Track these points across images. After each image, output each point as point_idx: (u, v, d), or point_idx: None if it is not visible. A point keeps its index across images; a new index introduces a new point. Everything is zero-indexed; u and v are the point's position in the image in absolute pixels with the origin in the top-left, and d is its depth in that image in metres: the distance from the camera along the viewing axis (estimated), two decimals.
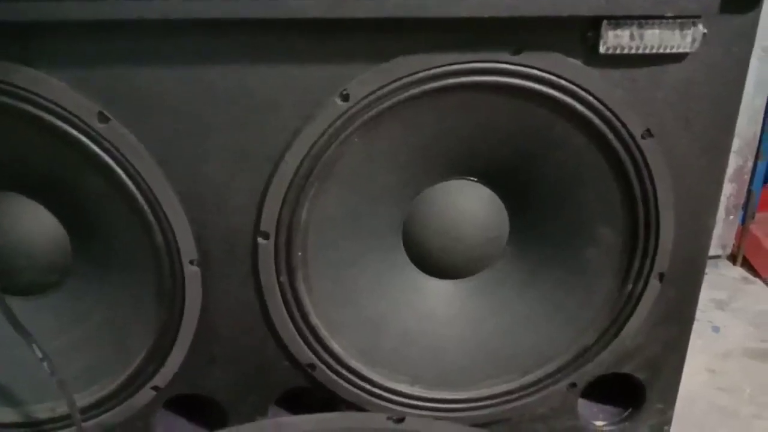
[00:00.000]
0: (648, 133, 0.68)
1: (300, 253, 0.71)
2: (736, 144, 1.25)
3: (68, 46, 0.62)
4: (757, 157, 1.30)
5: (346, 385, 0.77)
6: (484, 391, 0.79)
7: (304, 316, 0.73)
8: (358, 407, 0.78)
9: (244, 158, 0.67)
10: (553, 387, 0.79)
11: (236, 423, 0.77)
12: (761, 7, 0.64)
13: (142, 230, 0.68)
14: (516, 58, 0.65)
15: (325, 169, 0.68)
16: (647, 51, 0.65)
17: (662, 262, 0.74)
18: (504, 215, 0.77)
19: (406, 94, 0.65)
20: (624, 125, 0.68)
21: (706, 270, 0.79)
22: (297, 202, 0.68)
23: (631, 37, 0.64)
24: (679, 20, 0.64)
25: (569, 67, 0.65)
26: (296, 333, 0.74)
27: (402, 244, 0.78)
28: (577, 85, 0.66)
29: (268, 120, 0.66)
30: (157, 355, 0.73)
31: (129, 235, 0.69)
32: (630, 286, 0.75)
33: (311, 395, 0.79)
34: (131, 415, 0.76)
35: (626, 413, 0.85)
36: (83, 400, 0.74)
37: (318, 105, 0.65)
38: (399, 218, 0.76)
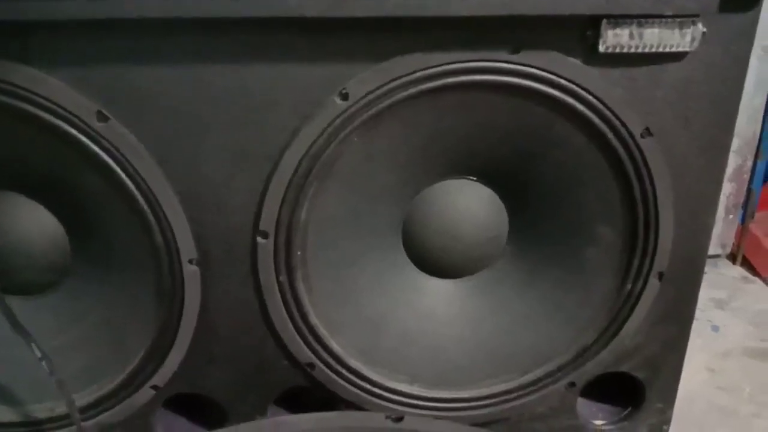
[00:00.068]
0: (647, 132, 0.68)
1: (299, 253, 0.71)
2: (735, 143, 1.25)
3: (67, 45, 0.62)
4: (756, 156, 1.30)
5: (345, 384, 0.77)
6: (484, 391, 0.79)
7: (304, 316, 0.73)
8: (357, 406, 0.78)
9: (244, 157, 0.67)
10: (553, 386, 0.79)
11: (235, 422, 0.77)
12: (761, 6, 0.64)
13: (142, 230, 0.68)
14: (515, 57, 0.65)
15: (324, 169, 0.68)
16: (646, 50, 0.65)
17: (661, 262, 0.74)
18: (503, 214, 0.77)
19: (405, 93, 0.65)
20: (623, 124, 0.68)
21: (706, 269, 0.79)
22: (296, 201, 0.68)
23: (631, 36, 0.64)
24: (678, 19, 0.64)
25: (568, 66, 0.65)
26: (295, 332, 0.74)
27: (401, 244, 0.78)
28: (577, 84, 0.66)
29: (267, 119, 0.66)
30: (157, 355, 0.73)
31: (128, 234, 0.69)
32: (629, 286, 0.75)
33: (310, 395, 0.79)
34: (130, 415, 0.76)
35: (625, 412, 0.85)
36: (82, 399, 0.74)
37: (317, 104, 0.65)
38: (398, 218, 0.76)
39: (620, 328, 0.76)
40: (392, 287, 0.78)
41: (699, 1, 0.63)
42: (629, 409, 0.85)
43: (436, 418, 0.77)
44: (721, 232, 1.35)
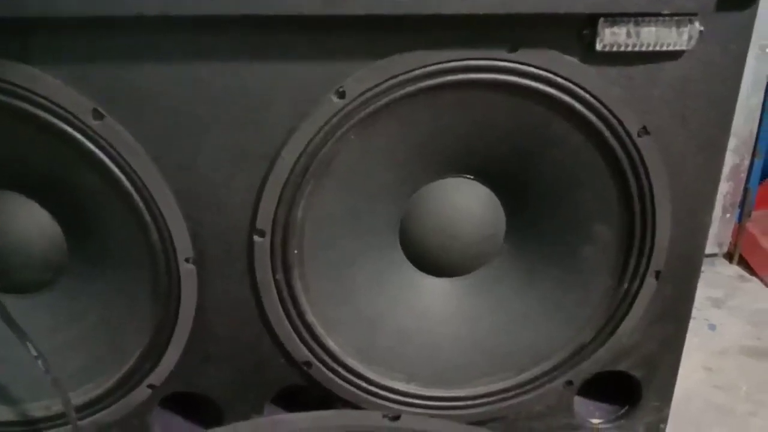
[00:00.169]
0: (644, 131, 0.68)
1: (296, 251, 0.71)
2: (732, 142, 1.25)
3: (63, 43, 0.61)
4: (753, 155, 1.30)
5: (342, 383, 0.77)
6: (481, 389, 0.79)
7: (301, 314, 0.73)
8: (354, 405, 0.78)
9: (240, 156, 0.67)
10: (550, 385, 0.79)
11: (232, 421, 0.77)
12: (758, 5, 0.64)
13: (138, 228, 0.68)
14: (512, 56, 0.65)
15: (321, 167, 0.68)
16: (644, 48, 0.65)
17: (659, 260, 0.74)
18: (501, 213, 0.77)
19: (403, 92, 0.65)
20: (620, 123, 0.68)
21: (703, 268, 0.79)
22: (293, 199, 0.68)
23: (628, 34, 0.64)
24: (675, 18, 0.64)
25: (566, 64, 0.65)
26: (292, 331, 0.74)
27: (399, 242, 0.77)
28: (574, 83, 0.66)
29: (264, 117, 0.66)
30: (153, 353, 0.73)
31: (125, 232, 0.69)
32: (626, 284, 0.75)
33: (307, 393, 0.79)
34: (127, 413, 0.76)
35: (622, 411, 0.85)
36: (78, 398, 0.74)
37: (314, 102, 0.65)
38: (396, 216, 0.76)
39: (617, 326, 0.76)
40: (389, 286, 0.78)
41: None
42: (626, 407, 0.85)
43: (433, 416, 0.77)
44: (718, 231, 1.36)
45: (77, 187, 0.69)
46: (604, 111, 0.67)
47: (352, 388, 0.77)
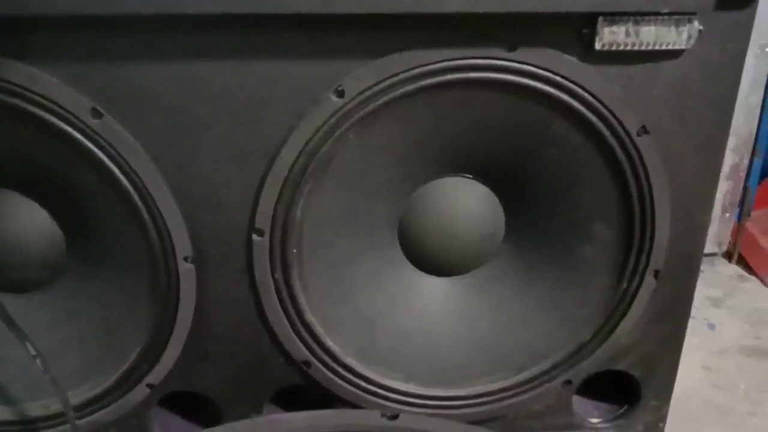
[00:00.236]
0: (644, 130, 0.68)
1: (295, 250, 0.70)
2: (732, 141, 1.25)
3: (62, 42, 0.61)
4: (753, 155, 1.30)
5: (341, 382, 0.77)
6: (480, 389, 0.79)
7: (300, 314, 0.73)
8: (353, 404, 0.78)
9: (239, 155, 0.67)
10: (549, 384, 0.79)
11: (231, 420, 0.76)
12: (757, 4, 0.64)
13: (137, 227, 0.68)
14: (512, 55, 0.65)
15: (320, 166, 0.68)
16: (643, 48, 0.65)
17: (658, 260, 0.74)
18: (500, 212, 0.77)
19: (402, 91, 0.65)
20: (620, 122, 0.67)
21: (702, 267, 0.79)
22: (292, 198, 0.68)
23: (627, 33, 0.64)
24: (674, 17, 0.63)
25: (565, 63, 0.65)
26: (291, 330, 0.74)
27: (398, 242, 0.77)
28: (573, 82, 0.66)
29: (262, 116, 0.66)
30: (152, 353, 0.73)
31: (123, 232, 0.69)
32: (625, 284, 0.75)
33: (306, 393, 0.79)
34: (126, 413, 0.76)
35: (621, 410, 0.85)
36: (77, 397, 0.74)
37: (313, 101, 0.65)
38: (395, 215, 0.76)
39: (616, 326, 0.76)
40: (388, 285, 0.78)
41: None
42: (625, 407, 0.85)
43: (432, 415, 0.77)
44: (718, 230, 1.36)
45: (76, 186, 0.68)
46: (604, 110, 0.67)
47: (351, 388, 0.77)
